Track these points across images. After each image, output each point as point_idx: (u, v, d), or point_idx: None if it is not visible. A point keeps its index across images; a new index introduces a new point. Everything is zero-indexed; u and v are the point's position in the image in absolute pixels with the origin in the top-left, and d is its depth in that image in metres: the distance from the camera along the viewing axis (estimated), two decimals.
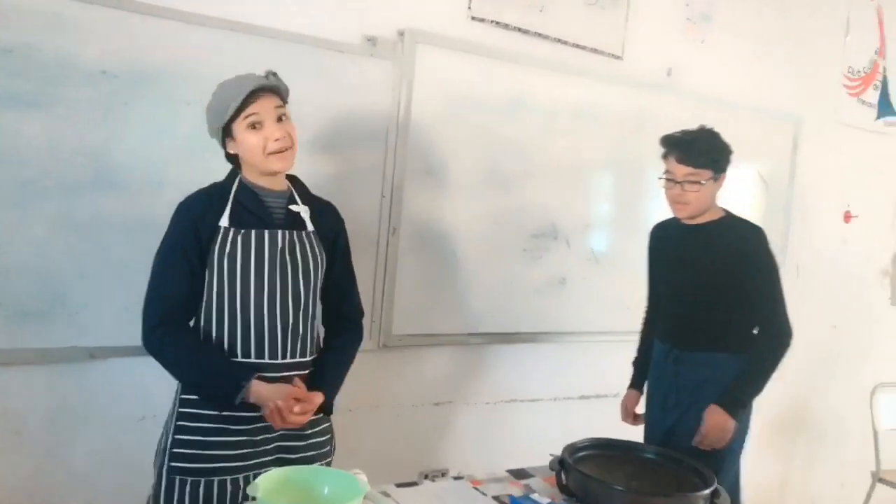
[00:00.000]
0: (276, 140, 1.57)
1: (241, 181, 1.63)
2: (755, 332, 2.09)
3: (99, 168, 1.94)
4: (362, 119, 2.30)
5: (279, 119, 1.59)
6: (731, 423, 1.99)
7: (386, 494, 1.60)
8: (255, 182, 1.63)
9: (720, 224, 2.12)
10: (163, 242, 1.61)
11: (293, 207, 1.66)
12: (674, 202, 2.10)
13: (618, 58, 2.84)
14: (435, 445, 2.65)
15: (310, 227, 1.67)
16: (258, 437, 1.60)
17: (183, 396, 1.62)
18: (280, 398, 1.52)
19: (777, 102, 3.31)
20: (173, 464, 1.58)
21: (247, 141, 1.58)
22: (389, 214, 2.38)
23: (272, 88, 1.60)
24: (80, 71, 1.88)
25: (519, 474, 1.80)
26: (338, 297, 1.77)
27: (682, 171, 2.04)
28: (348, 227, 1.82)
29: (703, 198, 2.06)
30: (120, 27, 1.92)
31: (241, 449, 1.58)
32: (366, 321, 1.90)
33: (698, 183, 2.03)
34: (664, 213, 2.23)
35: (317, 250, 1.67)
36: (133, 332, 1.97)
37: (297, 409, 1.52)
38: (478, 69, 2.50)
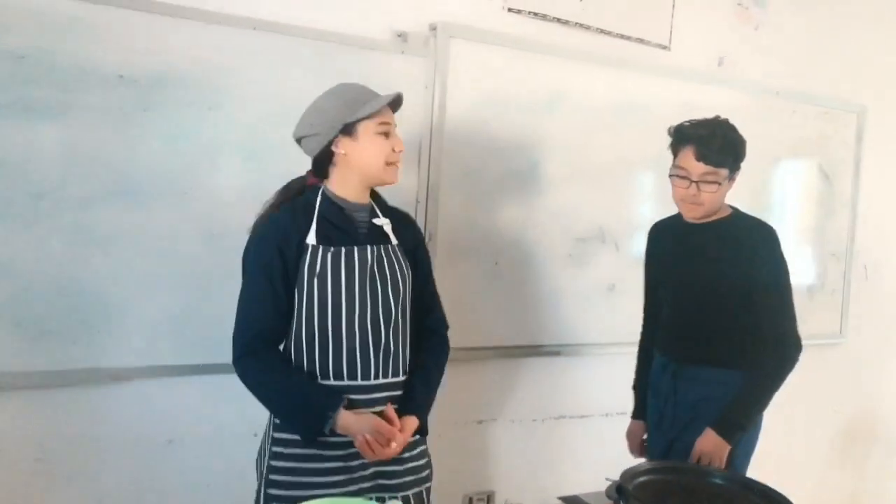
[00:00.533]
0: (398, 151, 1.58)
1: (324, 195, 1.59)
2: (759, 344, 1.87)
3: (119, 178, 1.86)
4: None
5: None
6: (725, 449, 1.81)
7: None
8: (337, 194, 1.60)
9: (727, 222, 1.91)
10: (248, 267, 1.58)
11: (377, 221, 1.63)
12: (685, 202, 1.88)
13: (665, 48, 2.71)
14: (479, 465, 2.53)
15: (393, 240, 1.64)
16: (354, 464, 1.55)
17: (276, 421, 1.59)
18: (368, 430, 1.49)
19: (838, 92, 3.14)
20: (269, 491, 1.56)
21: (372, 144, 1.55)
22: (425, 220, 2.26)
23: (396, 107, 1.61)
24: (96, 76, 1.81)
25: (573, 502, 1.64)
26: (421, 311, 1.72)
27: (699, 168, 1.82)
28: None
29: (718, 198, 1.86)
30: (138, 29, 1.84)
31: (337, 476, 1.54)
32: None
33: (716, 183, 1.82)
34: None
35: (403, 264, 1.64)
36: (159, 353, 1.92)
37: (394, 445, 1.50)
38: (515, 64, 2.38)
